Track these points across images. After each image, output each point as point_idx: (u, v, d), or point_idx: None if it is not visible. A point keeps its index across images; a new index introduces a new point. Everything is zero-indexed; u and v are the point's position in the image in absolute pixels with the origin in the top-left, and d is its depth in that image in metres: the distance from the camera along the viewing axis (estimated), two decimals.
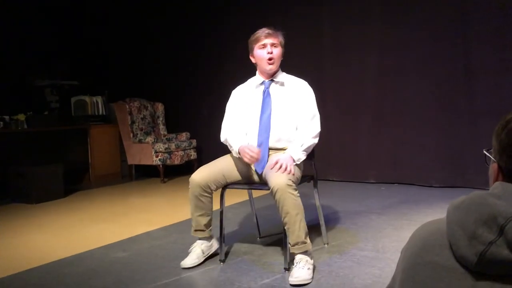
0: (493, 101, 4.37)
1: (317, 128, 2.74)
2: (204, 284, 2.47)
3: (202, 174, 2.65)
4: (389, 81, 4.98)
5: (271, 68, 2.72)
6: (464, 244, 0.79)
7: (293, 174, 2.48)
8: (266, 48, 2.69)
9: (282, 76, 2.82)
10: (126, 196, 5.15)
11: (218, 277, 2.53)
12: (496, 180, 0.88)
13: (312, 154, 2.90)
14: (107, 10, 6.72)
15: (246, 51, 2.83)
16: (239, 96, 2.86)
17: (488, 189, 0.85)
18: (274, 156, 2.65)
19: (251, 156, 2.57)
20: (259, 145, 2.71)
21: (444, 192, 4.53)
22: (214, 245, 2.81)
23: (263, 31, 2.71)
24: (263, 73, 2.79)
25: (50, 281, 2.58)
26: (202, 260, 2.70)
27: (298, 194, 2.46)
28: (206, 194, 2.66)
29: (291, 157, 2.57)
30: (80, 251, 3.07)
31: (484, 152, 0.95)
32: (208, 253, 2.76)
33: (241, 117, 2.80)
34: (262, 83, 2.80)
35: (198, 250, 2.70)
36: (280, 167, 2.46)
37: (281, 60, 2.79)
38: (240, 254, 2.88)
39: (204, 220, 2.71)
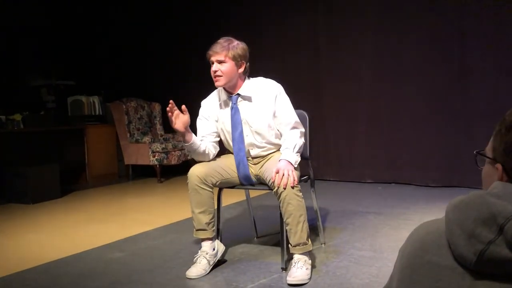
0: (489, 102, 4.39)
1: (301, 129, 2.68)
2: (201, 284, 2.46)
3: (200, 166, 2.63)
4: (386, 82, 4.99)
5: (217, 84, 2.63)
6: (463, 243, 0.78)
7: (297, 183, 2.44)
8: (212, 65, 2.61)
9: (248, 88, 2.68)
10: (123, 196, 5.14)
11: (215, 277, 2.52)
12: (500, 180, 0.86)
13: (309, 154, 2.90)
14: (104, 10, 6.71)
15: None
16: (209, 113, 2.75)
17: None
18: (271, 163, 2.61)
19: (170, 114, 2.48)
20: (238, 163, 2.67)
21: (441, 191, 4.54)
22: (220, 249, 2.69)
23: (211, 48, 2.62)
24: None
25: (46, 282, 2.57)
26: (208, 271, 2.56)
27: (302, 196, 2.45)
28: (205, 187, 2.57)
29: (289, 162, 2.49)
30: (76, 251, 3.06)
31: (475, 152, 0.94)
32: (214, 261, 2.63)
33: (213, 135, 2.74)
34: (230, 98, 2.69)
35: (204, 261, 2.56)
36: (283, 175, 2.41)
37: (242, 71, 2.65)
38: (237, 254, 2.88)
39: (205, 218, 2.59)
